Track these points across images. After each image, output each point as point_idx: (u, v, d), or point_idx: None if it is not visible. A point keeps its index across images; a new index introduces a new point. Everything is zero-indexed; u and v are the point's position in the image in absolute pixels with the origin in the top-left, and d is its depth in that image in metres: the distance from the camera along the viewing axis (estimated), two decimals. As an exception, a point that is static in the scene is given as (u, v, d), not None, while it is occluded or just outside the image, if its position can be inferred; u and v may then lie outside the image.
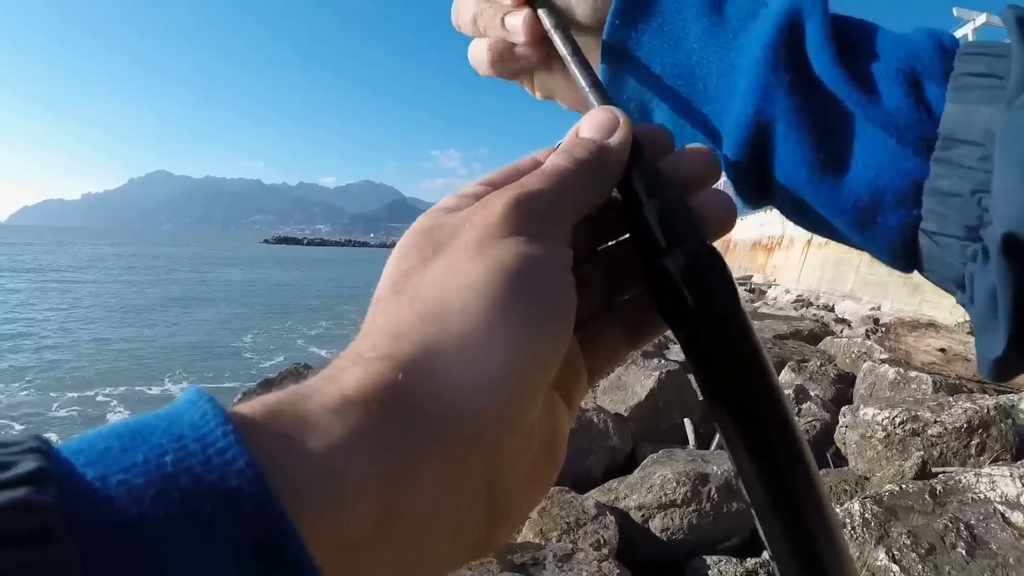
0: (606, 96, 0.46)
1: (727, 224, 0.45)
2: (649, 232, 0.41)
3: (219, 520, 0.20)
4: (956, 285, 0.43)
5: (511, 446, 0.33)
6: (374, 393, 0.28)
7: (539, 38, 0.51)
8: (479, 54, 0.55)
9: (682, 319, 0.40)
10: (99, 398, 13.32)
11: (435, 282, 0.33)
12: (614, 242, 0.46)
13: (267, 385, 9.07)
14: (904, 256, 0.45)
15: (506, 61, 0.54)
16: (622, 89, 0.50)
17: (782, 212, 0.49)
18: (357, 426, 0.26)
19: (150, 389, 13.75)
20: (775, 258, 26.24)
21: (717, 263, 0.40)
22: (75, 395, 13.42)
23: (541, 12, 0.50)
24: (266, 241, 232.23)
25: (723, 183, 0.46)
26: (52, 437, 0.21)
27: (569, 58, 0.48)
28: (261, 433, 0.24)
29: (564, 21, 0.50)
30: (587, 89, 0.47)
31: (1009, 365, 0.40)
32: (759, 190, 0.49)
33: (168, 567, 0.19)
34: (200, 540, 0.20)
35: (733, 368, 0.39)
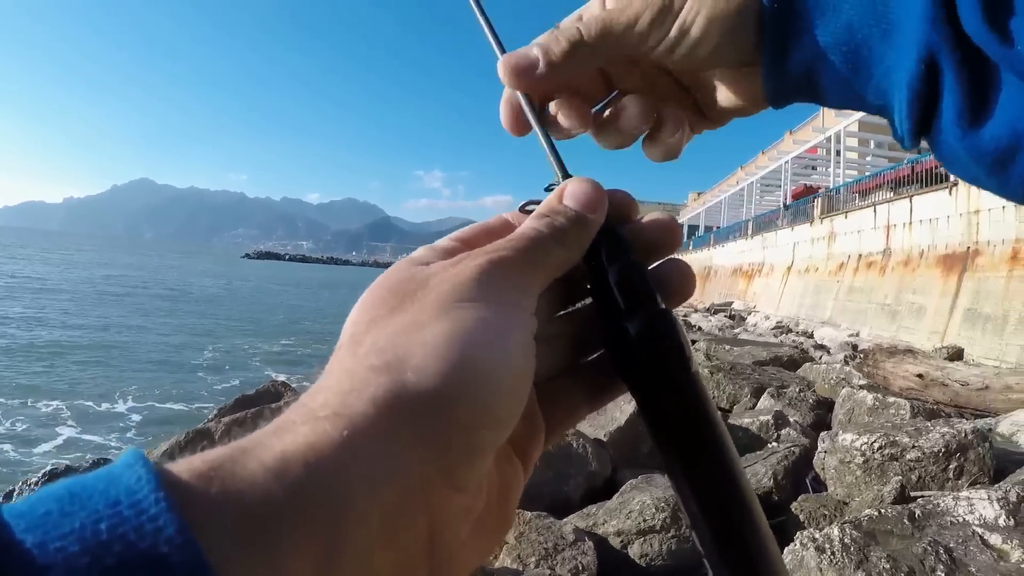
0: (565, 170, 0.48)
1: (686, 291, 0.46)
2: (610, 296, 0.43)
3: None
4: None
5: (456, 504, 0.33)
6: (316, 453, 0.28)
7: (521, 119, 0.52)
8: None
9: (638, 380, 0.42)
10: (46, 410, 13.24)
11: (395, 334, 0.33)
12: (582, 304, 0.47)
13: (243, 403, 8.99)
14: None
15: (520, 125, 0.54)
16: (785, 63, 0.51)
17: (936, 156, 0.50)
18: (293, 488, 0.26)
19: (99, 406, 13.60)
20: (755, 285, 26.46)
21: (672, 327, 0.42)
22: (26, 403, 13.38)
23: (522, 99, 0.52)
24: (247, 255, 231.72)
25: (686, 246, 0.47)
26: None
27: (538, 131, 0.50)
28: (196, 497, 0.24)
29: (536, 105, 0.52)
30: (553, 162, 0.48)
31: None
32: (921, 137, 0.49)
33: None
34: None
35: (686, 428, 0.41)
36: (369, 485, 0.29)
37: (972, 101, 0.45)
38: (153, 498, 0.23)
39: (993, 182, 0.47)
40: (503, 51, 0.51)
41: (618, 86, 0.56)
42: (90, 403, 13.74)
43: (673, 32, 0.50)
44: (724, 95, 0.56)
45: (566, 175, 0.47)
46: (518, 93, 0.52)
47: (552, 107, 0.53)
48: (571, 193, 0.44)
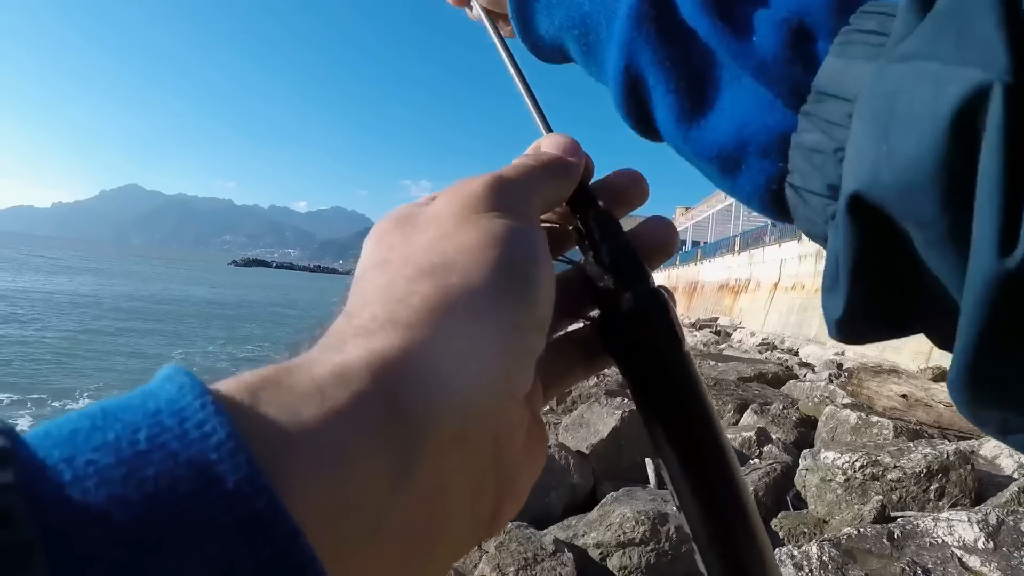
0: (545, 117, 0.49)
1: (668, 247, 0.46)
2: (601, 274, 0.42)
3: (197, 498, 0.19)
4: (824, 242, 0.41)
5: (512, 412, 0.33)
6: (380, 359, 0.26)
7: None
8: None
9: (627, 357, 0.42)
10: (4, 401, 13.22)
11: (427, 248, 0.32)
12: (562, 260, 0.47)
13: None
14: (773, 207, 0.44)
15: None
16: (533, 36, 0.52)
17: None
18: (362, 392, 0.25)
19: (59, 403, 13.64)
20: (741, 301, 26.56)
21: (662, 306, 0.41)
22: None
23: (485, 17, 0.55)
24: (235, 262, 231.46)
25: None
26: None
27: (517, 79, 0.51)
28: (246, 405, 0.22)
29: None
30: (535, 115, 0.50)
31: (852, 325, 0.38)
32: (649, 135, 0.49)
33: (141, 550, 0.17)
34: (176, 520, 0.18)
35: (673, 408, 0.41)
36: (441, 388, 0.27)
37: (688, 102, 0.44)
38: (198, 403, 0.21)
39: (724, 185, 0.45)
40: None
41: None
42: (47, 396, 13.77)
43: None
44: None
45: (549, 130, 0.48)
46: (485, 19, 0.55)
47: None
48: (548, 142, 0.45)
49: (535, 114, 0.49)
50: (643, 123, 0.48)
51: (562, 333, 0.46)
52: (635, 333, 0.41)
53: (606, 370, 0.47)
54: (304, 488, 0.21)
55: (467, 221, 0.34)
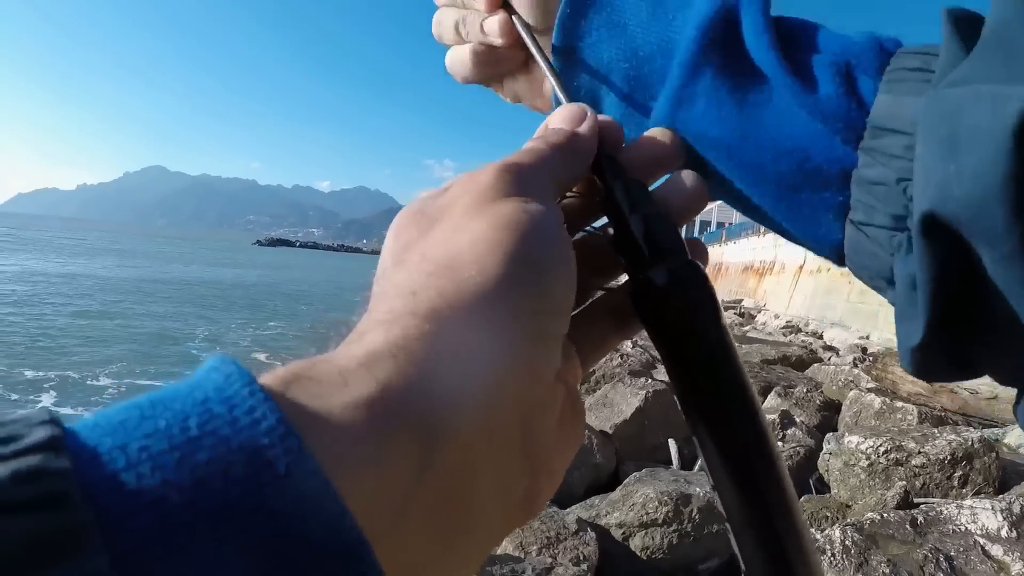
0: (571, 95, 0.48)
1: (698, 205, 0.46)
2: (634, 245, 0.41)
3: (250, 481, 0.19)
4: (885, 280, 0.43)
5: (539, 395, 0.33)
6: (402, 348, 0.27)
7: (515, 40, 0.53)
8: (459, 59, 0.57)
9: (664, 332, 0.40)
10: (30, 376, 13.33)
11: (442, 242, 0.33)
12: (588, 231, 0.47)
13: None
14: (827, 243, 0.46)
15: (486, 64, 0.56)
16: (575, 82, 0.52)
17: (719, 197, 0.51)
18: (387, 378, 0.25)
19: (84, 379, 13.71)
20: (766, 283, 26.32)
21: (700, 279, 0.40)
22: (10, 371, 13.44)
23: (515, 17, 0.52)
24: (258, 242, 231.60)
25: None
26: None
27: (540, 58, 0.50)
28: (288, 393, 0.23)
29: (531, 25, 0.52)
30: (556, 87, 0.49)
31: (929, 355, 0.40)
32: (697, 167, 0.49)
33: (196, 534, 0.18)
34: (231, 503, 0.19)
35: (712, 383, 0.40)
36: (463, 375, 0.28)
37: (740, 136, 0.45)
38: (247, 391, 0.21)
39: (778, 216, 0.47)
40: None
41: None
42: (74, 374, 13.85)
43: None
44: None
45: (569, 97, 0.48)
46: (515, 16, 0.52)
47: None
48: (556, 116, 0.44)
49: (556, 85, 0.49)
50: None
51: (594, 300, 0.46)
52: (673, 308, 0.40)
53: (629, 351, 0.47)
54: (345, 469, 0.22)
55: (479, 211, 0.34)
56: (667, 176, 0.47)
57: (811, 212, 0.45)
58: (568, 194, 0.46)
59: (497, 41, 0.53)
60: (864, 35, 0.45)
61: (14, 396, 11.94)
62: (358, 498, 0.22)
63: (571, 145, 0.42)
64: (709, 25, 0.46)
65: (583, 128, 0.43)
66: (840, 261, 0.46)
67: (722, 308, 0.41)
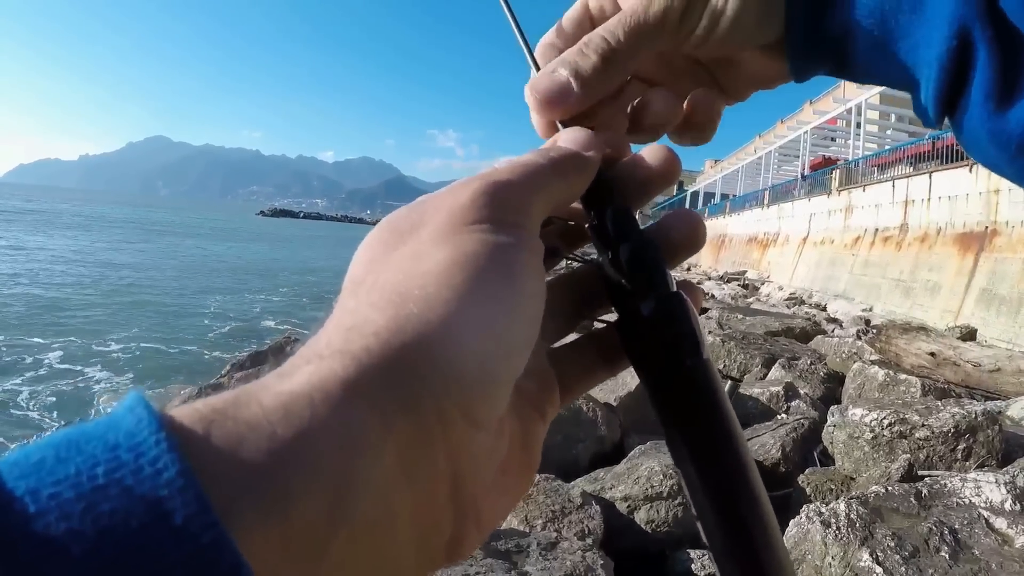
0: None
1: (696, 243, 0.45)
2: (621, 276, 0.42)
3: (148, 533, 0.20)
4: None
5: (477, 443, 0.32)
6: (320, 391, 0.26)
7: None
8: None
9: (647, 364, 0.41)
10: (36, 340, 13.52)
11: (395, 270, 0.32)
12: (578, 264, 0.46)
13: (256, 359, 9.06)
14: None
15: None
16: (815, 38, 0.49)
17: (954, 134, 0.48)
18: (301, 425, 0.25)
19: (93, 344, 13.87)
20: (770, 254, 26.34)
21: (684, 312, 0.41)
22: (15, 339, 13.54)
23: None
24: (262, 212, 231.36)
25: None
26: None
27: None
28: (199, 439, 0.23)
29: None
30: (529, 61, 0.49)
31: None
32: (944, 116, 0.48)
33: None
34: (128, 553, 0.19)
35: (695, 416, 0.40)
36: (380, 420, 0.27)
37: (1003, 81, 0.43)
38: (153, 440, 0.21)
39: (1014, 168, 0.45)
40: (535, 63, 0.50)
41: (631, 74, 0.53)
42: (83, 340, 14.00)
43: (705, 21, 0.48)
44: (747, 72, 0.54)
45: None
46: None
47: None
48: (565, 137, 0.44)
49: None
50: (949, 105, 0.47)
51: (581, 335, 0.46)
52: (654, 340, 0.40)
53: None
54: (248, 522, 0.22)
55: (444, 238, 0.33)
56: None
57: None
58: (557, 218, 0.45)
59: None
60: None
61: (26, 359, 12.04)
62: (261, 551, 0.22)
63: (572, 164, 0.41)
64: None
65: (589, 152, 0.42)
66: None
67: (705, 340, 0.41)
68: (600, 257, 0.43)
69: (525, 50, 0.51)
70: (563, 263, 0.46)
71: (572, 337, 0.47)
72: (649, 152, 0.47)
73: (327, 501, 0.25)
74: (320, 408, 0.26)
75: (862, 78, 0.50)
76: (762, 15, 0.48)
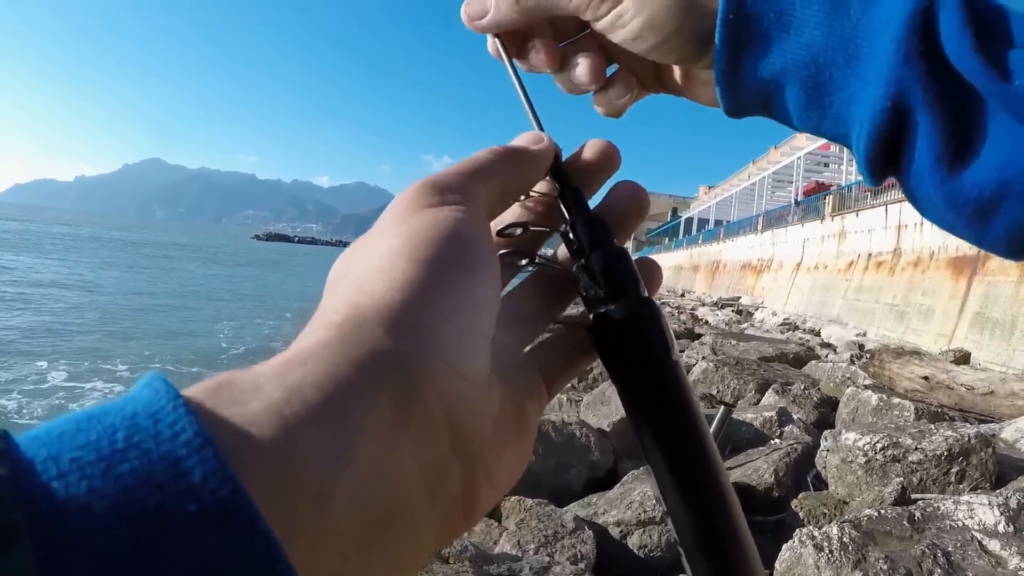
0: (541, 125, 0.49)
1: (641, 210, 0.48)
2: (592, 282, 0.44)
3: (167, 490, 0.21)
4: None
5: (466, 392, 0.34)
6: (309, 353, 0.29)
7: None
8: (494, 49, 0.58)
9: (619, 365, 0.43)
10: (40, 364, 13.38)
11: (358, 261, 0.35)
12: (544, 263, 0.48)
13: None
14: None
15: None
16: (741, 84, 0.50)
17: (907, 197, 0.49)
18: (296, 382, 0.27)
19: (102, 364, 13.78)
20: (764, 280, 26.38)
21: (653, 316, 0.43)
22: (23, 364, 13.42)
23: (499, 41, 0.55)
24: (257, 236, 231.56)
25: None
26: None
27: (517, 85, 0.52)
28: (208, 406, 0.25)
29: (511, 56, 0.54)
30: (530, 116, 0.50)
31: None
32: (883, 176, 0.48)
33: (117, 539, 0.20)
34: (149, 512, 0.20)
35: (664, 413, 0.42)
36: (368, 372, 0.29)
37: (953, 144, 0.43)
38: (171, 406, 0.23)
39: (971, 233, 0.45)
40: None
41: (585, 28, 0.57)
42: (89, 362, 13.91)
43: (608, 18, 0.51)
44: (680, 80, 0.57)
45: (540, 129, 0.49)
46: (494, 37, 0.54)
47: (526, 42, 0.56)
48: (517, 139, 0.46)
49: (532, 118, 0.50)
50: (886, 165, 0.47)
51: (559, 326, 0.48)
52: (626, 342, 0.42)
53: None
54: (255, 474, 0.23)
55: (392, 227, 0.36)
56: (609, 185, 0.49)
57: (1006, 221, 0.43)
58: (533, 226, 0.47)
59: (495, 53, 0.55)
60: None
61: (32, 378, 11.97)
62: (271, 501, 0.23)
63: (516, 156, 0.44)
64: (907, 33, 0.43)
65: (535, 147, 0.45)
66: None
67: (674, 343, 0.43)
68: (574, 264, 0.45)
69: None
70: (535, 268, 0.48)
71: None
72: (589, 145, 0.49)
73: (327, 445, 0.26)
74: (311, 366, 0.28)
75: (797, 126, 0.50)
76: (670, 42, 0.51)
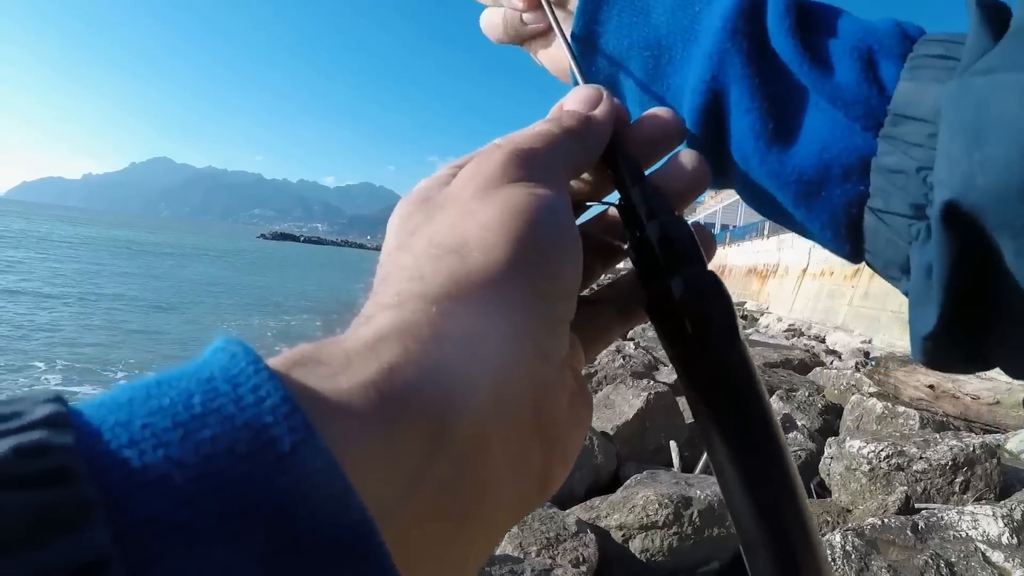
0: (588, 76, 0.48)
1: (700, 185, 0.44)
2: (651, 254, 0.40)
3: (254, 459, 0.19)
4: (900, 270, 0.42)
5: (550, 376, 0.33)
6: (409, 329, 0.27)
7: (536, 7, 0.53)
8: (491, 21, 0.58)
9: (680, 343, 0.40)
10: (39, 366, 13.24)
11: (448, 228, 0.33)
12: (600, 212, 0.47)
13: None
14: (848, 235, 0.44)
15: (513, 28, 0.56)
16: (593, 67, 0.51)
17: (735, 189, 0.50)
18: (394, 360, 0.25)
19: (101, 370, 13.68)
20: (769, 285, 26.32)
21: (718, 290, 0.39)
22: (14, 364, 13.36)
23: None
24: (263, 236, 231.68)
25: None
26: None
27: (559, 35, 0.49)
28: (294, 374, 0.23)
29: None
30: (573, 66, 0.48)
31: (940, 344, 0.39)
32: (716, 164, 0.48)
33: (199, 511, 0.18)
34: (233, 483, 0.19)
35: (729, 398, 0.39)
36: (472, 356, 0.28)
37: (771, 122, 0.44)
38: (252, 369, 0.21)
39: (800, 213, 0.45)
40: None
41: None
42: (84, 364, 13.84)
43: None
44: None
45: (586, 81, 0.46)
46: None
47: None
48: (571, 98, 0.44)
49: (573, 64, 0.47)
50: (713, 143, 0.47)
51: (596, 290, 0.47)
52: (685, 322, 0.39)
53: (631, 352, 0.46)
54: (353, 450, 0.22)
55: (487, 196, 0.34)
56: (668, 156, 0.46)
57: (830, 204, 0.44)
58: (589, 201, 0.46)
59: (519, 6, 0.54)
60: (886, 21, 0.44)
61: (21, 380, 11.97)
62: (364, 478, 0.22)
63: (584, 130, 0.41)
64: (734, 13, 0.45)
65: (598, 112, 0.42)
66: (854, 256, 0.46)
67: (739, 320, 0.40)
68: (629, 233, 0.42)
69: None
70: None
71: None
72: (657, 111, 0.46)
73: (424, 432, 0.25)
74: (410, 345, 0.26)
75: (639, 109, 0.50)
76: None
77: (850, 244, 0.45)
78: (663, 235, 0.40)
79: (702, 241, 0.42)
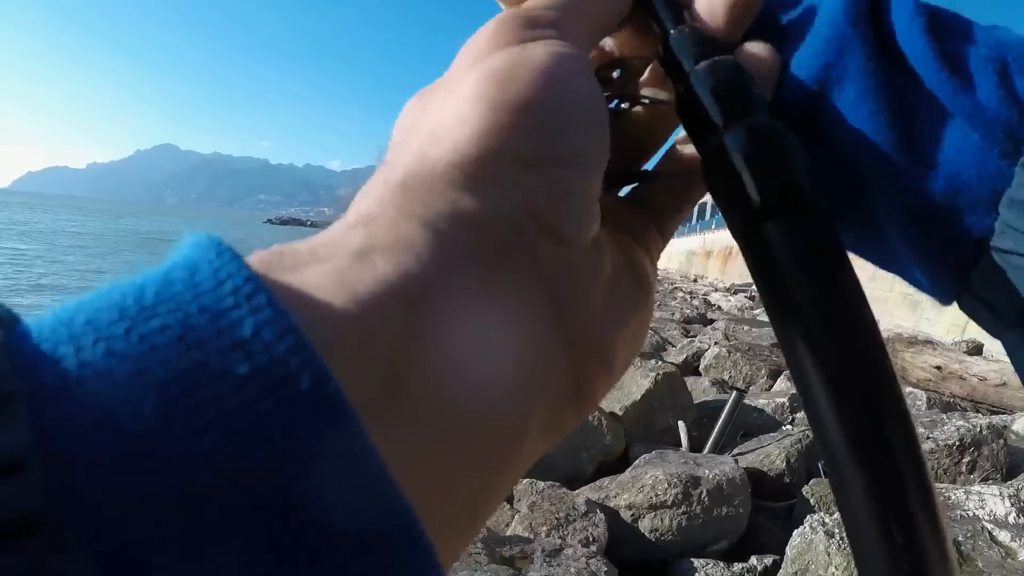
0: None
1: (769, 83, 0.36)
2: (700, 106, 0.33)
3: (209, 347, 0.16)
4: (1017, 319, 0.35)
5: (569, 259, 0.29)
6: (375, 214, 0.25)
7: None
8: None
9: (737, 214, 0.32)
10: None
11: (432, 112, 0.29)
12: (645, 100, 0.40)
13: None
14: (951, 273, 0.37)
15: None
16: None
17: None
18: (360, 246, 0.23)
19: None
20: (777, 266, 26.15)
21: (786, 140, 0.32)
22: None
23: None
24: (270, 221, 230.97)
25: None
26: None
27: None
28: (260, 270, 0.19)
29: None
30: None
31: None
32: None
33: (141, 411, 0.15)
34: (185, 375, 0.16)
35: (811, 275, 0.30)
36: (444, 234, 0.24)
37: (898, 134, 0.36)
38: (214, 252, 0.18)
39: (903, 241, 0.38)
40: None
41: None
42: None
43: None
44: None
45: None
46: None
47: None
48: None
49: None
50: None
51: (662, 160, 0.41)
52: (744, 183, 0.31)
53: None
54: (316, 335, 0.18)
55: (471, 68, 0.29)
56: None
57: (947, 236, 0.36)
58: (629, 59, 0.38)
59: None
60: (1008, 31, 0.36)
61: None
62: (339, 364, 0.18)
63: None
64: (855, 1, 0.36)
65: None
66: (946, 295, 0.38)
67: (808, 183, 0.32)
68: (674, 86, 0.35)
69: None
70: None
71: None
72: None
73: (401, 317, 0.22)
74: (376, 229, 0.24)
75: None
76: None
77: (951, 281, 0.37)
78: (715, 80, 0.33)
79: (762, 80, 0.35)
